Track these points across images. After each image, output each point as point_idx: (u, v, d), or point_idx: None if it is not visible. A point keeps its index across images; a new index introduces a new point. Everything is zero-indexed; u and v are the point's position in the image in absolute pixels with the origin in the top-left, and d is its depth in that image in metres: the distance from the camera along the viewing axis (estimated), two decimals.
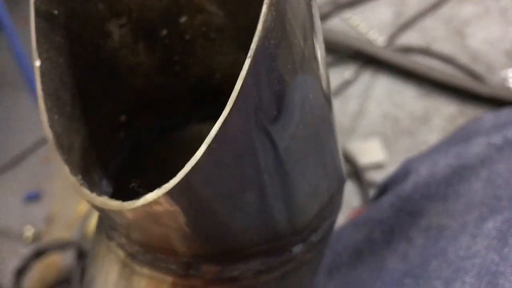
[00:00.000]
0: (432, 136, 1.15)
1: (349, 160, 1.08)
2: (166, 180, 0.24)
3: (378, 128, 1.18)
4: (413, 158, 0.55)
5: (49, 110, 0.26)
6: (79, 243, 0.97)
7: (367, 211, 0.52)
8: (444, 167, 0.48)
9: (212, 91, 0.37)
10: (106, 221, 0.29)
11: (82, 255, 0.94)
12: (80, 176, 0.25)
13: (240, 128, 0.20)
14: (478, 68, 1.27)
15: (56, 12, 0.27)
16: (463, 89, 1.21)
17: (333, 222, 0.30)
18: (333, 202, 0.30)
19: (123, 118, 0.33)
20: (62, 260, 0.99)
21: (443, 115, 1.20)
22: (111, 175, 0.32)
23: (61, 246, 0.98)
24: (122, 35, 0.31)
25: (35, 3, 0.25)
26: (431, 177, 0.48)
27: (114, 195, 0.31)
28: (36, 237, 1.06)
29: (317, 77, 0.24)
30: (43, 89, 0.26)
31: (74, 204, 1.12)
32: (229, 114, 0.19)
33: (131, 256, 0.27)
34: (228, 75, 0.35)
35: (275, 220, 0.25)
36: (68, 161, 0.25)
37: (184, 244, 0.25)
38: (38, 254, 0.95)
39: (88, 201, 0.24)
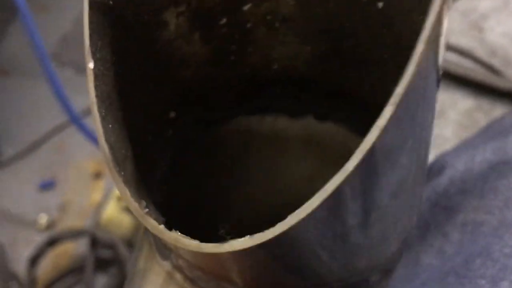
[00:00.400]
0: (447, 130, 1.12)
1: None
2: (222, 177, 0.21)
3: None
4: (448, 152, 0.53)
5: (103, 119, 0.22)
6: (92, 231, 0.96)
7: None
8: (481, 162, 0.46)
9: (266, 81, 0.33)
10: (163, 244, 0.26)
11: (95, 244, 0.94)
12: (144, 203, 0.21)
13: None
14: (495, 62, 1.23)
15: (111, 2, 0.22)
16: (480, 83, 1.18)
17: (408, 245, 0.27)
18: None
19: (172, 114, 0.30)
20: (76, 248, 0.99)
21: (459, 109, 1.17)
22: (160, 178, 0.29)
23: (75, 234, 0.97)
24: (178, 24, 0.27)
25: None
26: (467, 172, 0.47)
27: (161, 204, 0.28)
28: (50, 225, 1.05)
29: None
30: (97, 95, 0.22)
31: (88, 193, 1.12)
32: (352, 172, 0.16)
33: (192, 281, 0.25)
34: (288, 66, 0.31)
35: (360, 263, 0.22)
36: (125, 178, 0.22)
37: (258, 280, 0.22)
38: (52, 242, 0.94)
39: (154, 232, 0.21)
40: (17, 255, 0.96)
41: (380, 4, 0.23)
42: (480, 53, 1.25)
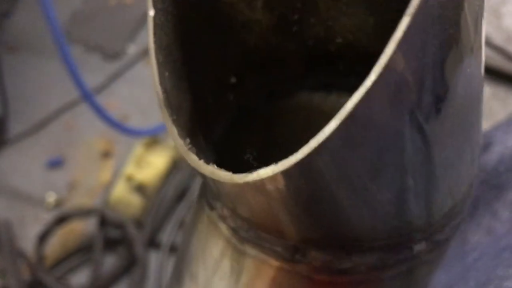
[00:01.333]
0: None
1: None
2: (277, 151, 0.21)
3: None
4: (496, 128, 0.50)
5: (160, 65, 0.24)
6: (101, 211, 0.96)
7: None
8: None
9: (329, 56, 0.33)
10: (210, 190, 0.27)
11: (104, 223, 0.94)
12: (188, 140, 0.22)
13: (385, 107, 0.17)
14: None
15: None
16: (497, 70, 1.11)
17: (460, 222, 0.26)
18: (465, 199, 0.25)
19: (233, 79, 0.31)
20: (84, 227, 0.97)
21: None
22: (216, 139, 0.30)
23: (83, 213, 0.97)
24: None
25: None
26: None
27: (217, 161, 0.29)
28: (58, 203, 1.04)
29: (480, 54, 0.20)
30: (156, 42, 0.24)
31: (96, 172, 1.10)
32: (372, 86, 0.16)
33: (234, 230, 0.25)
34: (352, 40, 0.31)
35: (405, 215, 0.22)
36: (176, 122, 0.23)
37: (293, 226, 0.22)
38: (60, 220, 0.95)
39: (195, 168, 0.22)
40: (24, 233, 0.96)
41: None
42: (498, 39, 1.16)
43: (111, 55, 1.35)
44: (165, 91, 0.24)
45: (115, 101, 1.04)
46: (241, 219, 0.24)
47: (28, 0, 1.31)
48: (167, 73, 0.24)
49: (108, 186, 1.05)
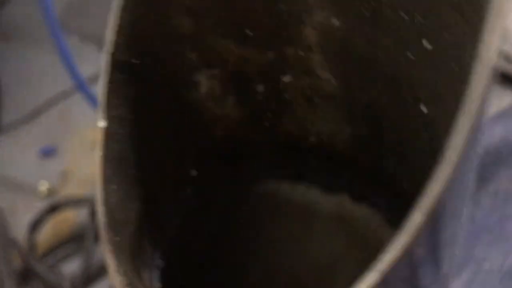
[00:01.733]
0: None
1: None
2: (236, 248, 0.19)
3: None
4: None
5: (107, 181, 0.21)
6: (93, 200, 0.95)
7: None
8: None
9: (301, 152, 0.31)
10: None
11: (96, 213, 0.94)
12: (126, 279, 0.20)
13: None
14: (508, 48, 1.15)
15: (136, 61, 0.22)
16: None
17: None
18: None
19: (193, 172, 0.28)
20: (76, 216, 0.96)
21: (499, 106, 1.10)
22: (167, 240, 0.28)
23: (76, 202, 0.96)
24: (210, 86, 0.25)
25: (113, 52, 0.20)
26: (503, 142, 0.47)
27: (169, 265, 0.27)
28: (51, 193, 1.02)
29: None
30: (105, 155, 0.21)
31: (90, 162, 1.09)
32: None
33: None
34: (326, 142, 0.29)
35: None
36: (117, 246, 0.21)
37: None
38: (53, 209, 0.93)
39: None
40: (16, 221, 0.94)
41: (425, 109, 0.21)
42: None
43: None
44: (109, 210, 0.21)
45: None
46: None
47: None
48: (114, 187, 0.22)
49: None
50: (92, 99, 0.90)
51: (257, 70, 0.25)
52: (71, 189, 1.03)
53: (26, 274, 0.83)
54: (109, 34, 0.20)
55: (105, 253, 0.20)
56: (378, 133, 0.26)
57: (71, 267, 0.87)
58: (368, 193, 0.31)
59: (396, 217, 0.30)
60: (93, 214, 0.91)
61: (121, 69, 0.21)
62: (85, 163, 1.07)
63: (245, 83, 0.26)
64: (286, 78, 0.26)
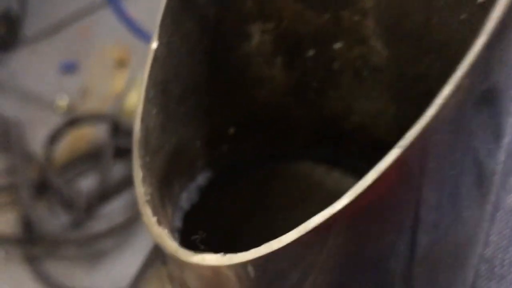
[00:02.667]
0: None
1: None
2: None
3: None
4: None
5: (148, 101, 0.22)
6: (114, 118, 0.93)
7: None
8: None
9: (342, 134, 0.31)
10: None
11: (115, 130, 0.92)
12: (149, 191, 0.20)
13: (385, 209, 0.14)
14: None
15: None
16: None
17: None
18: None
19: (231, 130, 0.29)
20: (94, 133, 0.95)
21: None
22: (198, 187, 0.28)
23: (96, 118, 0.96)
24: (262, 42, 0.26)
25: None
26: None
27: (194, 212, 0.27)
28: (70, 108, 1.02)
29: None
30: (150, 76, 0.22)
31: (110, 80, 1.06)
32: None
33: None
34: (369, 123, 0.29)
35: None
36: (146, 166, 0.21)
37: None
38: (72, 123, 0.94)
39: (145, 222, 0.20)
40: (35, 134, 0.93)
41: None
42: None
43: None
44: (146, 129, 0.22)
45: (136, 9, 0.95)
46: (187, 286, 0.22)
47: None
48: (155, 111, 0.23)
49: (121, 95, 1.03)
50: (121, 12, 0.89)
51: (310, 32, 0.26)
52: (90, 106, 1.02)
53: (42, 187, 0.84)
54: None
55: (134, 164, 0.21)
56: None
57: (87, 183, 0.87)
58: None
59: None
60: (112, 131, 0.91)
61: None
62: (105, 80, 1.05)
63: (297, 44, 0.26)
64: (337, 45, 0.26)
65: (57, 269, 0.73)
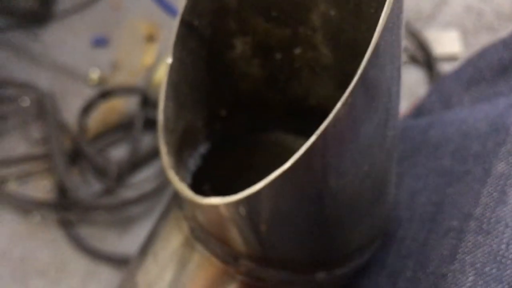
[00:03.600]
0: None
1: (424, 48, 1.03)
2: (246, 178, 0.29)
3: (459, 20, 1.09)
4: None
5: (167, 98, 0.32)
6: (144, 90, 0.96)
7: None
8: None
9: (303, 111, 0.41)
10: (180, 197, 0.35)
11: (145, 103, 0.95)
12: (172, 159, 0.31)
13: (310, 166, 0.25)
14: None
15: (196, 23, 0.33)
16: None
17: (360, 264, 0.34)
18: (370, 243, 0.34)
19: (223, 112, 0.39)
20: (125, 105, 0.99)
21: None
22: (200, 154, 0.39)
23: (126, 90, 0.98)
24: (243, 49, 0.36)
25: (183, 14, 0.31)
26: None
27: (199, 173, 0.38)
28: (101, 81, 1.05)
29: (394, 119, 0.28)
30: (168, 81, 0.32)
31: (140, 54, 1.10)
32: (311, 146, 0.24)
33: (191, 229, 0.34)
34: (322, 104, 0.40)
35: (309, 251, 0.30)
36: (168, 143, 0.32)
37: (233, 240, 0.31)
38: (103, 95, 0.96)
39: (171, 181, 0.30)
40: (67, 106, 0.98)
41: None
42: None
43: None
44: (165, 118, 0.32)
45: None
46: (197, 223, 0.33)
47: None
48: (171, 104, 0.33)
49: (151, 69, 1.07)
50: None
51: (277, 41, 0.36)
52: (121, 79, 1.05)
53: (75, 155, 0.88)
54: (183, 0, 0.31)
55: (160, 142, 0.31)
56: None
57: (119, 152, 0.91)
58: None
59: None
60: (142, 103, 0.95)
61: (186, 26, 0.32)
62: (135, 54, 1.10)
63: (268, 50, 0.37)
64: (297, 50, 0.36)
65: (89, 233, 0.78)
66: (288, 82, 0.39)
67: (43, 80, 1.05)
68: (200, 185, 0.37)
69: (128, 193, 0.83)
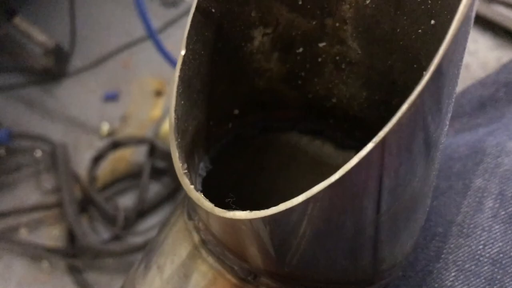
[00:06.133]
0: None
1: None
2: (259, 180, 0.26)
3: None
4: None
5: (179, 95, 0.28)
6: (152, 140, 1.03)
7: (496, 73, 0.57)
8: None
9: (323, 110, 0.38)
10: (192, 204, 0.32)
11: (153, 152, 1.01)
12: (185, 166, 0.27)
13: (360, 181, 0.21)
14: None
15: (213, 10, 0.29)
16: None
17: (388, 282, 0.31)
18: (398, 264, 0.31)
19: (236, 111, 0.35)
20: (133, 155, 1.07)
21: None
22: (211, 157, 0.35)
23: (135, 141, 1.06)
24: (262, 42, 0.32)
25: (199, 0, 0.28)
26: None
27: (209, 175, 0.34)
28: (111, 133, 1.14)
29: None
30: (180, 76, 0.28)
31: (148, 108, 1.20)
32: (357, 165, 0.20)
33: (203, 241, 0.30)
34: (344, 103, 0.36)
35: (344, 265, 0.27)
36: (179, 145, 0.28)
37: (254, 257, 0.27)
38: (113, 146, 1.03)
39: (185, 189, 0.26)
40: (79, 157, 1.07)
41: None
42: None
43: (170, 2, 1.52)
44: (177, 117, 0.28)
45: (170, 44, 1.08)
46: (212, 235, 0.29)
47: None
48: (182, 102, 0.29)
49: (158, 121, 1.15)
50: (159, 46, 1.00)
51: (300, 34, 0.32)
52: (130, 131, 1.15)
53: (85, 203, 0.93)
54: None
55: (172, 145, 0.27)
56: (389, 96, 0.33)
57: (126, 200, 0.97)
58: None
59: None
60: (149, 153, 1.01)
61: (202, 13, 0.28)
62: (144, 108, 1.20)
63: (289, 43, 0.33)
64: (322, 44, 0.33)
65: (97, 280, 0.82)
66: (308, 78, 0.35)
67: (56, 132, 1.14)
68: (208, 189, 0.34)
69: (135, 239, 0.87)
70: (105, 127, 1.15)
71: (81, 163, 1.04)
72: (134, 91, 1.25)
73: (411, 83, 0.30)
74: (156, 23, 1.18)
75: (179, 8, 1.50)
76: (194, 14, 0.28)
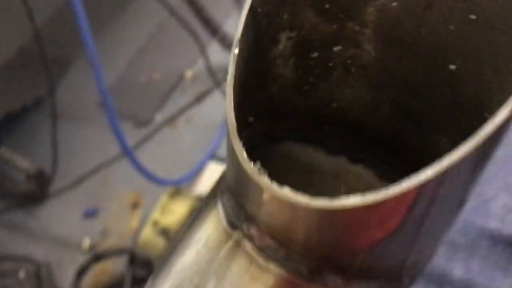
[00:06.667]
0: None
1: None
2: None
3: None
4: None
5: (235, 95, 0.27)
6: (132, 249, 1.12)
7: None
8: None
9: (319, 117, 0.39)
10: (235, 211, 0.30)
11: (133, 262, 1.09)
12: (258, 165, 0.26)
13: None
14: None
15: (259, 10, 0.29)
16: None
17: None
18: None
19: (250, 119, 0.35)
20: (115, 266, 1.15)
21: None
22: None
23: (116, 252, 1.15)
24: (285, 46, 0.33)
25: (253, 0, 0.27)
26: None
27: None
28: (92, 248, 1.25)
29: None
30: (235, 75, 0.27)
31: (127, 221, 1.32)
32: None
33: (259, 249, 0.29)
34: (344, 108, 0.38)
35: (408, 257, 0.28)
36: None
37: (327, 250, 0.27)
38: (95, 259, 1.11)
39: (263, 189, 0.25)
40: (63, 272, 1.13)
41: (453, 67, 0.30)
42: None
43: (141, 123, 1.70)
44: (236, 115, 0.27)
45: (143, 161, 1.20)
46: (272, 238, 0.28)
47: (69, 77, 1.66)
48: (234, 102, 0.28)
49: (136, 232, 1.25)
50: (136, 163, 1.13)
51: (319, 38, 0.33)
52: (110, 243, 1.24)
53: None
54: None
55: (238, 150, 0.26)
56: (396, 99, 0.35)
57: None
58: (367, 154, 0.40)
59: (388, 172, 0.39)
60: (130, 262, 1.09)
61: (251, 13, 0.28)
62: (123, 222, 1.29)
63: (308, 48, 0.34)
64: (337, 48, 0.34)
65: None
66: (315, 84, 0.36)
67: (39, 252, 1.21)
68: None
69: None
70: (87, 242, 1.23)
71: (65, 279, 1.10)
72: (112, 205, 1.34)
73: (431, 82, 0.33)
74: (130, 142, 1.27)
75: (149, 127, 1.68)
76: (247, 14, 0.27)
